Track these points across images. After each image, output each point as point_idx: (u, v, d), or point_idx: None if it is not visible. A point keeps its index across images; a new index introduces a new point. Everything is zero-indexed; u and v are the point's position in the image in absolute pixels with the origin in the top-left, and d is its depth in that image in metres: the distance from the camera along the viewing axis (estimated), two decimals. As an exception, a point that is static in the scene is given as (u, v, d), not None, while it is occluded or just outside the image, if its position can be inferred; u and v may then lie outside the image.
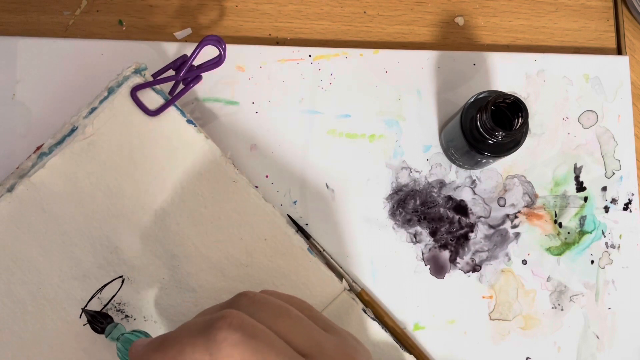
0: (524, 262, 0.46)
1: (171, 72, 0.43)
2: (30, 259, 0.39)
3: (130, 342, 0.36)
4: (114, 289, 0.40)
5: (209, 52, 0.42)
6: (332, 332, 0.31)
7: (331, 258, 0.44)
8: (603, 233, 0.47)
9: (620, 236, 0.47)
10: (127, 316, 0.40)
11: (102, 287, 0.40)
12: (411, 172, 0.46)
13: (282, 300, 0.31)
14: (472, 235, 0.46)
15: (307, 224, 0.45)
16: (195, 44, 0.42)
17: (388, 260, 0.45)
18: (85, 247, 0.40)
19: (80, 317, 0.39)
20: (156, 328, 0.40)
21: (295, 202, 0.45)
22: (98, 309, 0.39)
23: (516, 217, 0.46)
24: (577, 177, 0.47)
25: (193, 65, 0.42)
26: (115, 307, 0.40)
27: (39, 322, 0.39)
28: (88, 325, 0.38)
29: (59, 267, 0.40)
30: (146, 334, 0.37)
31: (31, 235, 0.39)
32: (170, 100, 0.42)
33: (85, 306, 0.39)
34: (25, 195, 0.39)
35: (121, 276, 0.40)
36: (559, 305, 0.45)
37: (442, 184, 0.46)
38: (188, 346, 0.27)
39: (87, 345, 0.39)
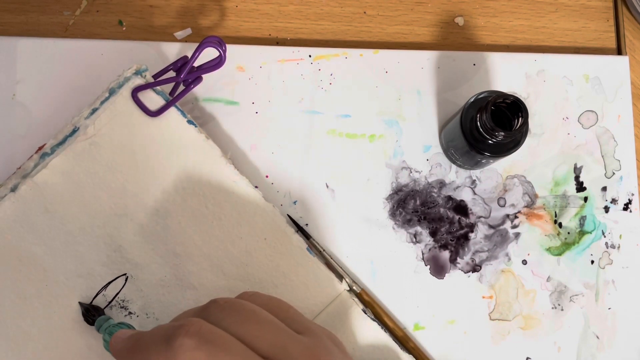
0: (524, 262, 0.46)
1: (172, 73, 0.43)
2: (35, 258, 0.40)
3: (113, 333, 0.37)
4: (118, 287, 0.40)
5: (210, 52, 0.42)
6: (307, 333, 0.32)
7: (331, 258, 0.44)
8: (603, 233, 0.47)
9: (620, 236, 0.47)
10: (130, 313, 0.40)
11: (106, 284, 0.40)
12: (411, 172, 0.46)
13: (259, 302, 0.32)
14: (472, 235, 0.46)
15: (307, 224, 0.45)
16: (196, 44, 0.42)
17: (388, 260, 0.45)
18: (89, 246, 0.40)
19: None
20: (158, 325, 0.40)
21: (295, 202, 0.45)
22: (103, 306, 0.40)
23: (516, 217, 0.46)
24: (577, 177, 0.47)
25: (193, 67, 0.42)
26: (119, 304, 0.40)
27: (45, 318, 0.39)
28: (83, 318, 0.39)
29: (64, 265, 0.40)
30: (130, 326, 0.38)
31: (35, 234, 0.40)
32: (171, 101, 0.42)
33: (91, 302, 0.40)
34: (28, 195, 0.40)
35: (125, 274, 0.41)
36: (559, 305, 0.46)
37: (442, 184, 0.46)
38: (153, 352, 0.29)
39: (92, 341, 0.40)
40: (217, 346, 0.28)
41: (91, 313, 0.39)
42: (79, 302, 0.40)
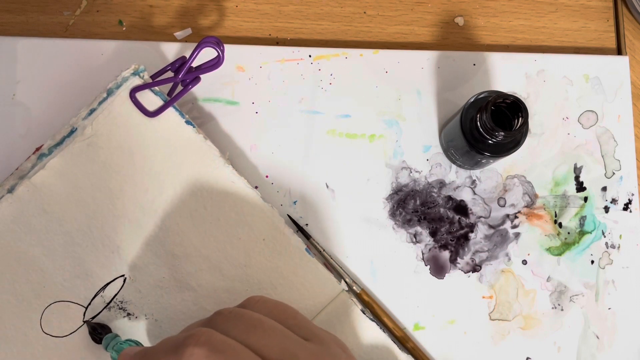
0: (524, 262, 0.46)
1: (170, 74, 0.43)
2: (33, 259, 0.40)
3: (121, 351, 0.36)
4: (116, 288, 0.40)
5: (209, 52, 0.42)
6: (314, 340, 0.31)
7: (331, 258, 0.44)
8: (603, 233, 0.47)
9: (620, 236, 0.47)
10: (129, 314, 0.40)
11: (104, 285, 0.40)
12: (411, 172, 0.46)
13: (266, 310, 0.32)
14: (472, 235, 0.46)
15: (307, 224, 0.45)
16: (195, 44, 0.42)
17: (388, 260, 0.45)
18: (87, 247, 0.40)
19: (83, 317, 0.40)
20: (157, 326, 0.41)
21: (295, 202, 0.45)
22: (101, 307, 0.40)
23: (516, 217, 0.46)
24: (577, 177, 0.47)
25: (192, 67, 0.42)
26: (118, 305, 0.40)
27: (44, 319, 0.39)
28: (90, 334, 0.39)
29: (62, 267, 0.40)
30: (137, 343, 0.38)
31: (33, 236, 0.40)
32: (169, 101, 0.42)
33: (87, 307, 0.40)
34: (26, 196, 0.40)
35: (123, 275, 0.40)
36: (559, 305, 0.45)
37: (442, 184, 0.46)
38: None
39: (90, 343, 0.40)
40: (227, 355, 0.28)
41: (98, 331, 0.39)
42: (85, 321, 0.39)
